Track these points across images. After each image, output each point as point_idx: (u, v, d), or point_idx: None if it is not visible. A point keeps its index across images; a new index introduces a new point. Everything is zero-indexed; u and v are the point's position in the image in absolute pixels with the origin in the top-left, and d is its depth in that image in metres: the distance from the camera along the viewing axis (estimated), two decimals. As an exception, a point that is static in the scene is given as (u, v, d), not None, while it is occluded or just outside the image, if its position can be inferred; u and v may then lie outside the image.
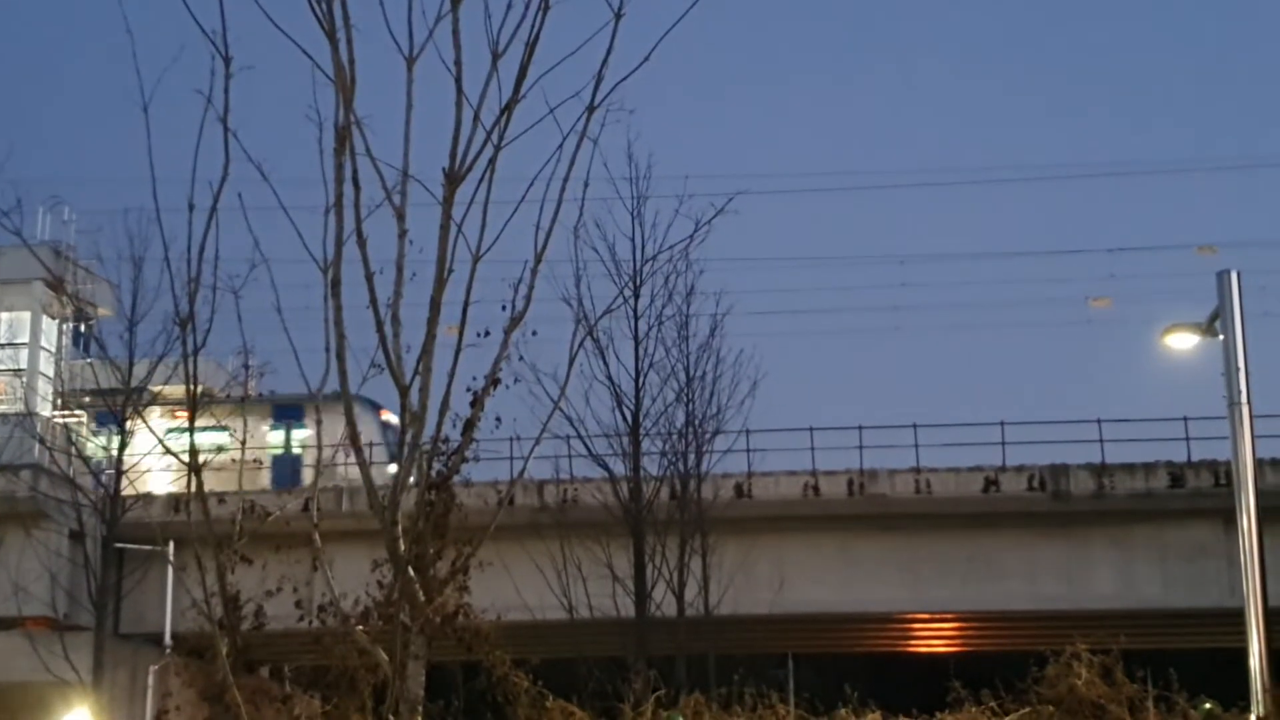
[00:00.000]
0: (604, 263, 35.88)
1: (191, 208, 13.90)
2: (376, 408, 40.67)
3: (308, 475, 39.52)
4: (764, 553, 40.17)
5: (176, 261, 14.18)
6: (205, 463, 14.38)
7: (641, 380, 36.66)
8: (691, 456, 37.64)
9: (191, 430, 14.67)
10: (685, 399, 37.72)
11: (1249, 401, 20.45)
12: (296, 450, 46.35)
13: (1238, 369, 20.37)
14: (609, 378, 36.50)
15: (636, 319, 36.30)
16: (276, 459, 46.06)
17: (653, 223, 36.10)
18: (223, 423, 32.44)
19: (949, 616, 45.20)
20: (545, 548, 34.82)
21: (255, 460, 32.07)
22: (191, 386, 14.98)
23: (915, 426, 44.19)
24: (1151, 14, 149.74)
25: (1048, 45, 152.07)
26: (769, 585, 38.97)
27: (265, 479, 43.31)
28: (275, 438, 47.16)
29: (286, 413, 46.24)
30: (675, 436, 37.60)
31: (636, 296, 36.04)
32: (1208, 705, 19.27)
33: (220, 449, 27.08)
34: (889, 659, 55.81)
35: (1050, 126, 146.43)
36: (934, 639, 50.06)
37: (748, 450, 40.96)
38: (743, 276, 67.14)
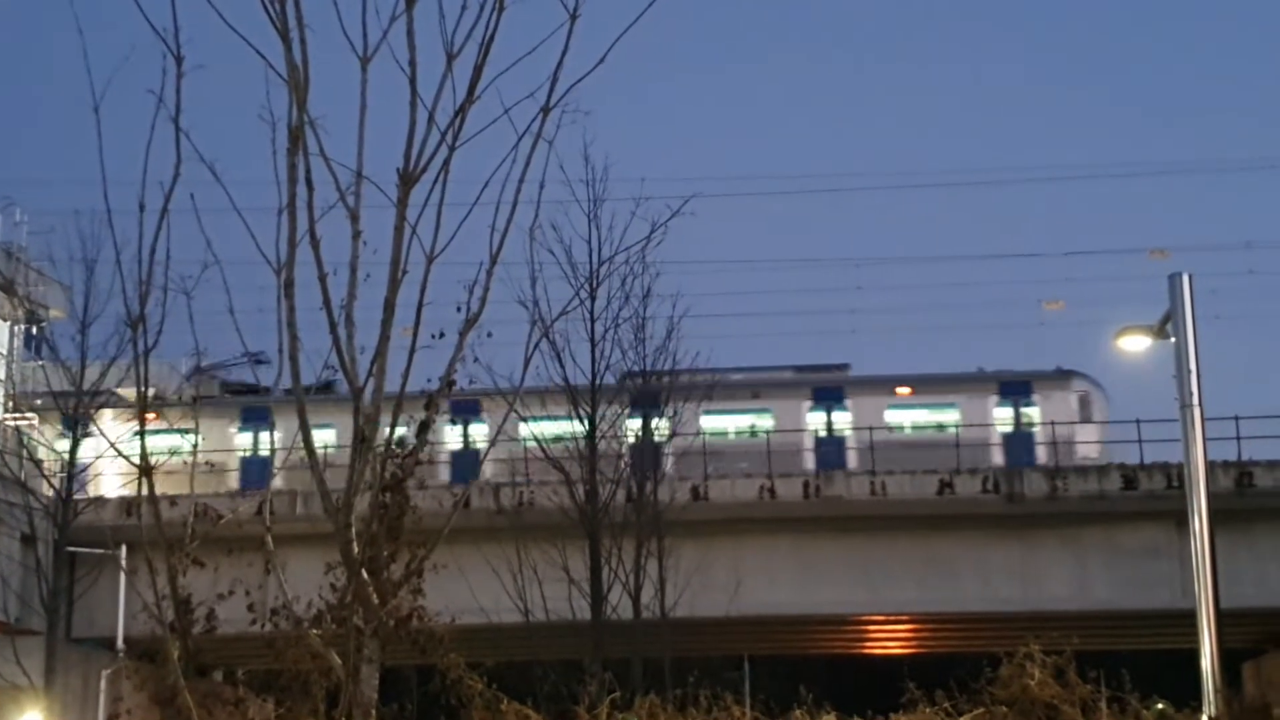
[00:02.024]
0: (560, 265, 35.87)
1: (142, 208, 13.78)
2: None
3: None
4: (720, 555, 40.23)
5: (128, 263, 14.06)
6: (156, 465, 14.26)
7: (598, 382, 36.63)
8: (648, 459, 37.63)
9: (142, 433, 14.55)
10: (641, 399, 37.73)
11: (1201, 404, 20.58)
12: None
13: (1189, 371, 20.50)
14: (565, 380, 36.46)
15: (593, 321, 36.31)
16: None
17: (609, 225, 36.11)
18: (181, 425, 32.28)
19: (904, 618, 45.42)
20: (501, 551, 34.73)
21: (208, 463, 31.74)
22: (142, 388, 14.86)
23: (871, 429, 44.44)
24: (1108, 18, 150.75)
25: (1003, 48, 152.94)
26: (725, 588, 39.01)
27: (233, 481, 42.99)
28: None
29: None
30: (632, 437, 37.61)
31: (593, 299, 36.04)
32: (1160, 706, 19.39)
33: (178, 451, 26.88)
34: (845, 661, 56.01)
35: (1005, 131, 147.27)
36: (889, 640, 50.27)
37: (704, 453, 41.06)
38: (699, 279, 67.17)
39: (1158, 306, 21.73)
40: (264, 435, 45.85)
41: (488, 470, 40.79)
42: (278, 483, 36.09)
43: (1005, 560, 41.43)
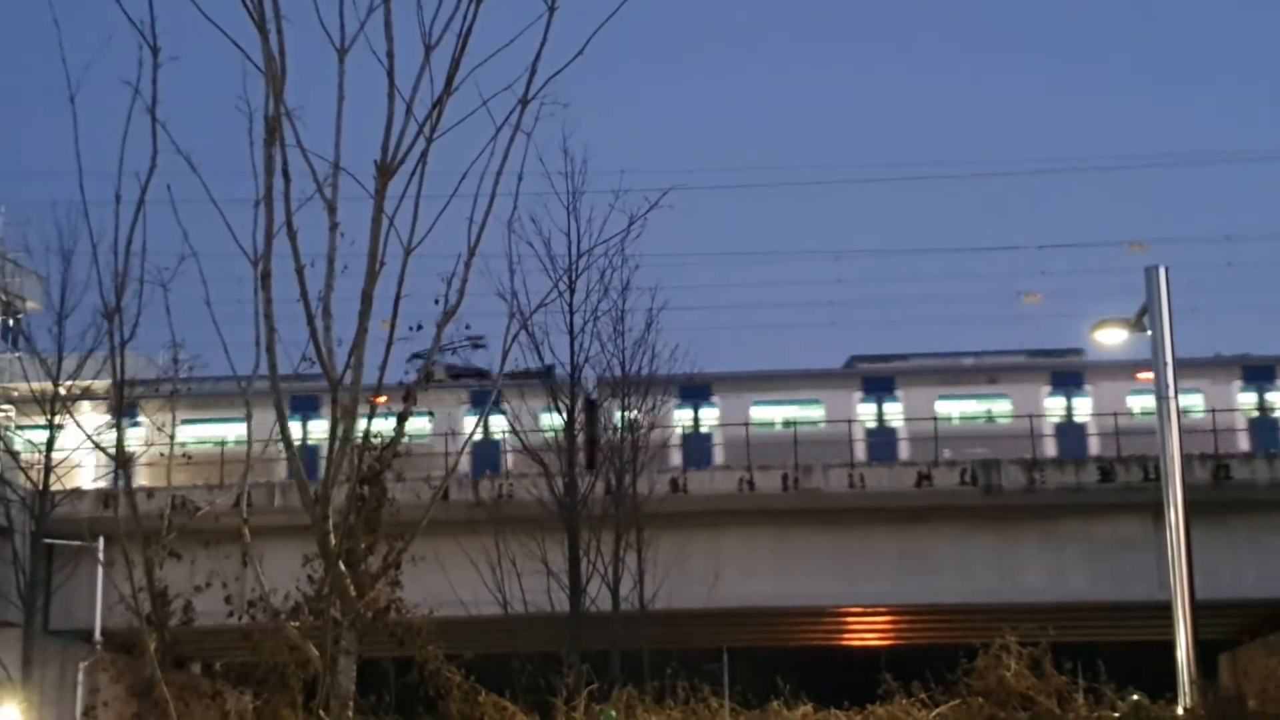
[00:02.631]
0: (539, 257, 35.85)
1: (118, 199, 13.73)
2: None
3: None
4: (699, 547, 40.29)
5: (105, 255, 14.03)
6: (132, 457, 14.25)
7: (577, 375, 36.65)
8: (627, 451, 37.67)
9: (119, 424, 14.52)
10: (621, 392, 37.76)
11: (1176, 396, 20.66)
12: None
13: (1166, 364, 20.57)
14: (544, 371, 36.47)
15: (572, 314, 36.32)
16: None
17: (588, 217, 36.11)
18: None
19: (882, 610, 45.52)
20: (480, 543, 34.74)
21: (185, 455, 31.62)
22: (119, 380, 14.82)
23: (849, 422, 44.53)
24: (1087, 11, 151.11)
25: (981, 42, 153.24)
26: (704, 580, 39.08)
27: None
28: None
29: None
30: (611, 431, 37.65)
31: (572, 291, 36.04)
32: (1135, 697, 19.46)
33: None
34: (823, 652, 56.12)
35: (982, 124, 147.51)
36: (867, 632, 50.40)
37: (683, 445, 41.13)
38: (678, 271, 67.24)
39: (1136, 299, 21.79)
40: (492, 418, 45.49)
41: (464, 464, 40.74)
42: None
43: (983, 552, 41.55)
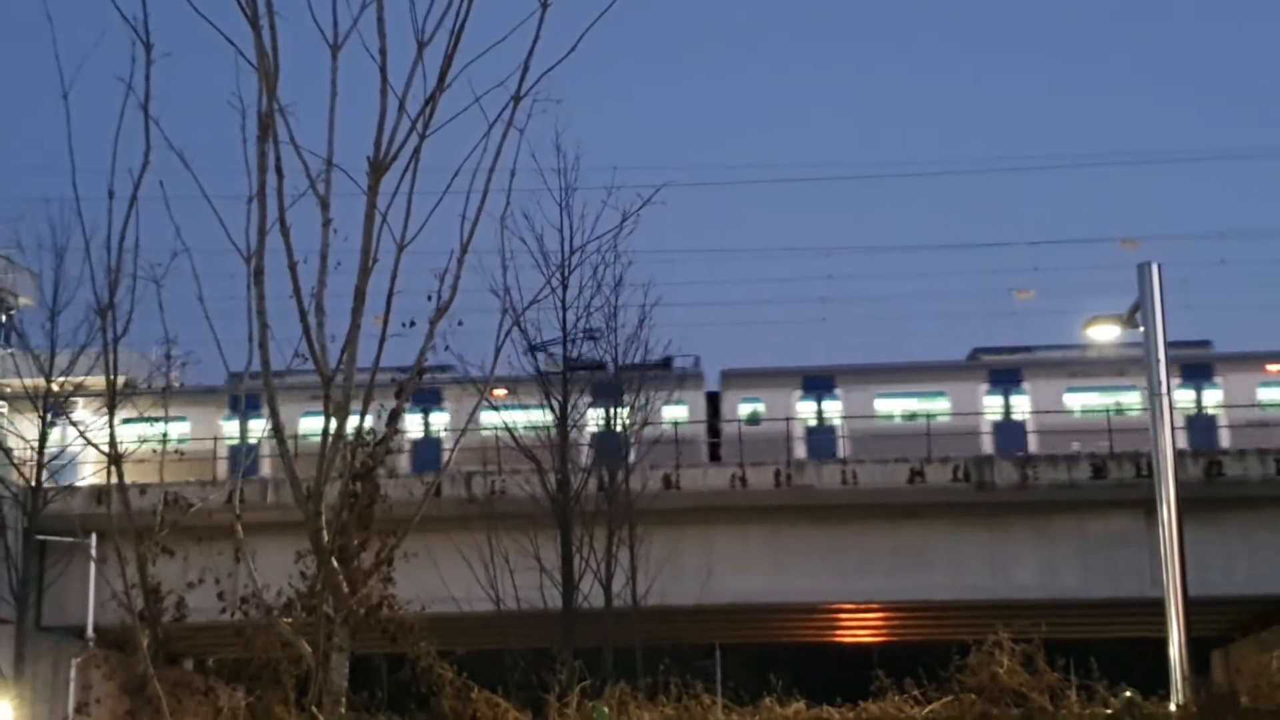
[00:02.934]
0: (532, 254, 35.81)
1: (111, 195, 13.77)
2: None
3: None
4: (692, 544, 40.30)
5: (98, 250, 14.04)
6: (125, 453, 14.25)
7: (568, 372, 36.62)
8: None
9: (111, 420, 14.52)
10: (613, 389, 37.75)
11: (1169, 392, 20.68)
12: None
13: (1158, 360, 20.59)
14: (537, 368, 36.47)
15: (565, 310, 36.29)
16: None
17: (581, 214, 36.06)
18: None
19: (875, 606, 45.53)
20: (473, 539, 34.73)
21: (177, 451, 31.61)
22: (111, 376, 14.83)
23: (843, 418, 44.55)
24: (1079, 10, 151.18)
25: (974, 40, 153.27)
26: (696, 576, 39.09)
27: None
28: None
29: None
30: (603, 427, 37.66)
31: (565, 287, 36.01)
32: (1128, 694, 19.47)
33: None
34: (816, 649, 56.16)
35: (975, 121, 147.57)
36: (860, 629, 50.42)
37: (675, 441, 41.12)
38: (671, 268, 67.22)
39: (1129, 295, 21.81)
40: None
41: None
42: None
43: (975, 549, 41.57)
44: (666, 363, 43.13)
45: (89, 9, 13.93)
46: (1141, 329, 21.02)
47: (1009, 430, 44.66)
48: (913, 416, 43.70)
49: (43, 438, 39.90)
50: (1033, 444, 43.98)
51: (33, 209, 47.02)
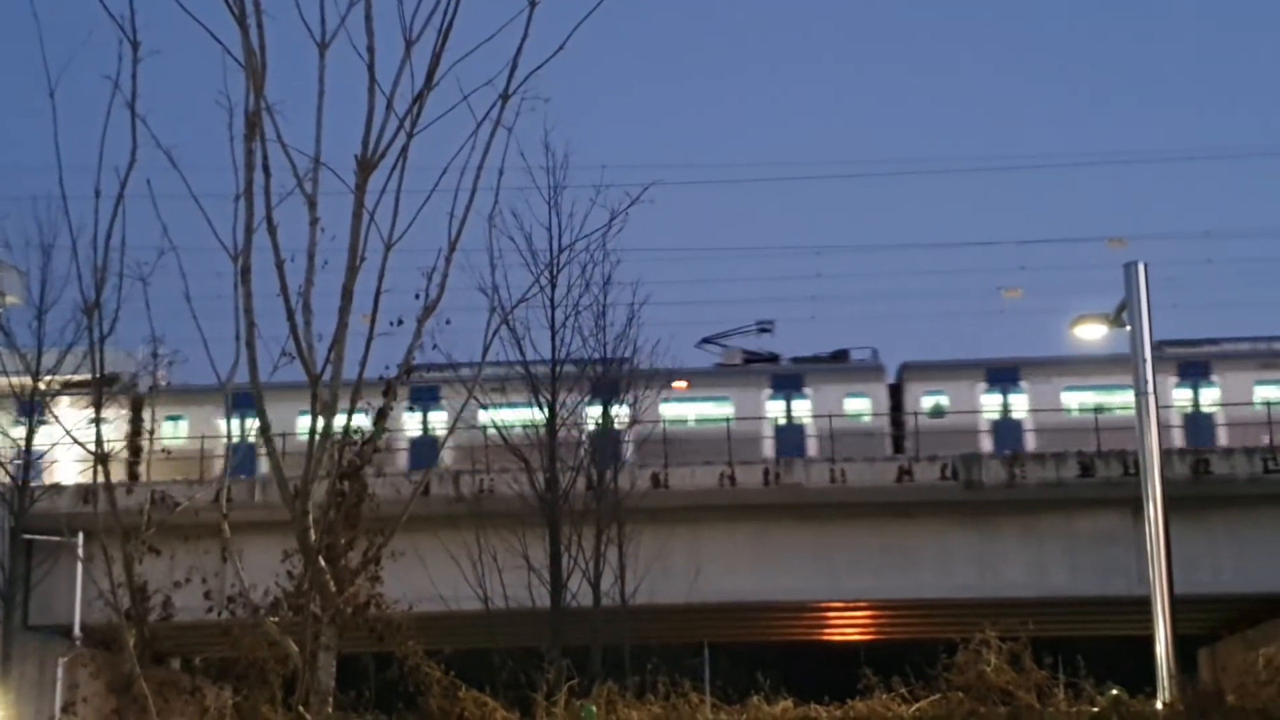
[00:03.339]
0: (520, 252, 35.76)
1: (98, 194, 13.74)
2: None
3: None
4: (680, 542, 40.32)
5: (84, 249, 14.02)
6: (111, 452, 14.22)
7: (558, 369, 36.59)
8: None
9: (98, 419, 14.50)
10: (602, 387, 37.73)
11: (1155, 391, 20.71)
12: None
13: (1144, 359, 20.62)
14: (525, 367, 36.41)
15: (553, 308, 36.24)
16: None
17: (570, 212, 36.03)
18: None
19: (863, 605, 45.59)
20: (461, 538, 34.68)
21: (164, 450, 31.59)
22: (98, 375, 14.80)
23: (830, 416, 44.55)
24: (1066, 8, 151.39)
25: (960, 37, 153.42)
26: (685, 575, 39.10)
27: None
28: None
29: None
30: (592, 424, 37.63)
31: (553, 286, 35.96)
32: (1114, 691, 19.51)
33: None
34: (804, 647, 56.20)
35: (962, 120, 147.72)
36: (848, 627, 50.46)
37: (664, 440, 41.12)
38: (660, 267, 67.13)
39: (1116, 295, 21.84)
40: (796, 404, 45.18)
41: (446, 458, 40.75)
42: None
43: (963, 547, 41.63)
44: (842, 354, 43.01)
45: (75, 7, 13.91)
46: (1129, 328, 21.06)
47: (1197, 423, 44.43)
48: (1100, 410, 43.23)
49: (29, 436, 39.82)
50: (1221, 437, 43.82)
51: (19, 207, 46.87)
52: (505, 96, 13.39)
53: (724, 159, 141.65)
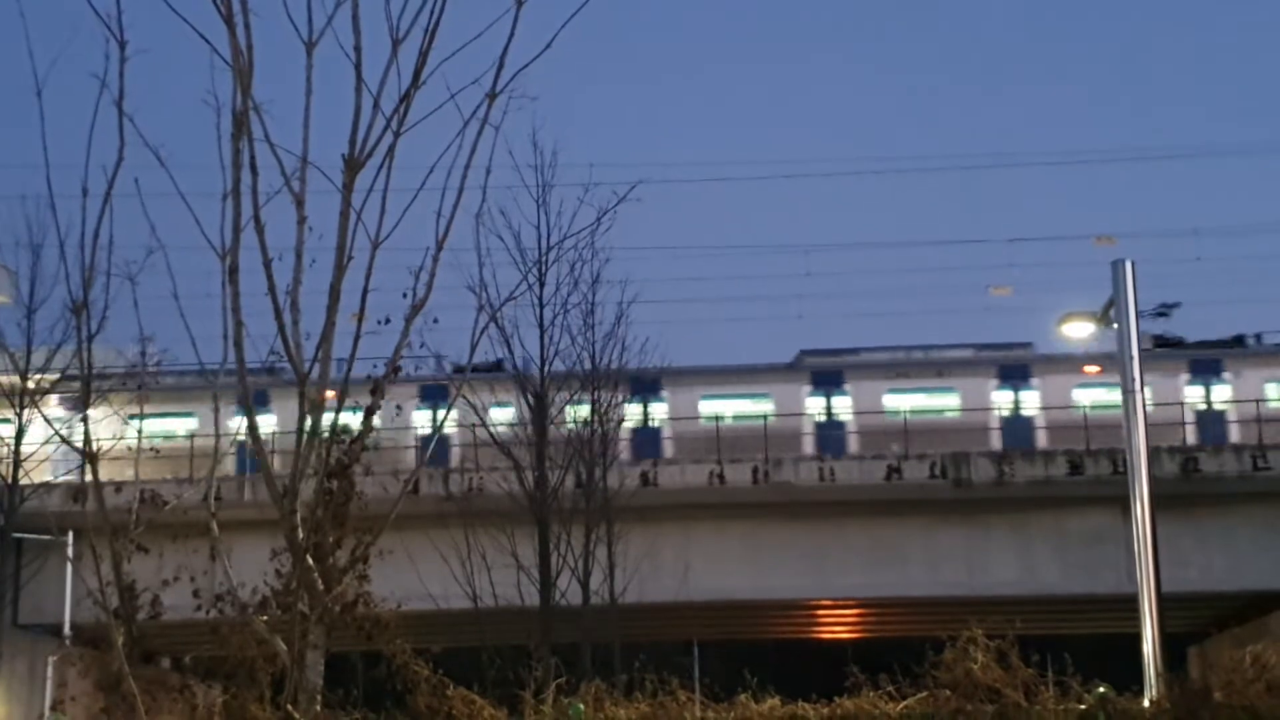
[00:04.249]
0: (509, 250, 35.75)
1: (85, 193, 13.79)
2: None
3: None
4: (670, 541, 40.35)
5: (73, 248, 14.06)
6: (101, 451, 14.25)
7: (547, 368, 36.60)
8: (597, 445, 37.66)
9: (86, 417, 14.52)
10: (591, 386, 37.75)
11: (1143, 389, 20.76)
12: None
13: (1131, 357, 20.66)
14: (514, 365, 36.43)
15: (542, 307, 36.23)
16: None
17: (558, 211, 36.01)
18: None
19: (852, 603, 45.65)
20: (450, 537, 34.69)
21: (153, 449, 31.47)
22: (86, 374, 14.82)
23: (817, 416, 44.64)
24: (1057, 7, 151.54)
25: (948, 35, 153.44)
26: (674, 573, 39.14)
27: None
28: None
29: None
30: (581, 425, 37.63)
31: (542, 284, 35.95)
32: (1102, 689, 19.53)
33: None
34: (794, 645, 56.24)
35: (952, 117, 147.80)
36: (838, 625, 50.52)
37: (654, 438, 41.19)
38: (648, 265, 67.25)
39: (1103, 292, 21.88)
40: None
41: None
42: None
43: (952, 545, 41.69)
44: (1239, 339, 43.12)
45: (62, 6, 13.92)
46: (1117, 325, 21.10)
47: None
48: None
49: (19, 435, 39.77)
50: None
51: (8, 206, 46.85)
52: (492, 95, 13.44)
53: (713, 157, 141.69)
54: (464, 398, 31.06)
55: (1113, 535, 37.92)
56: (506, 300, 27.29)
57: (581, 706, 19.26)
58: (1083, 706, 19.05)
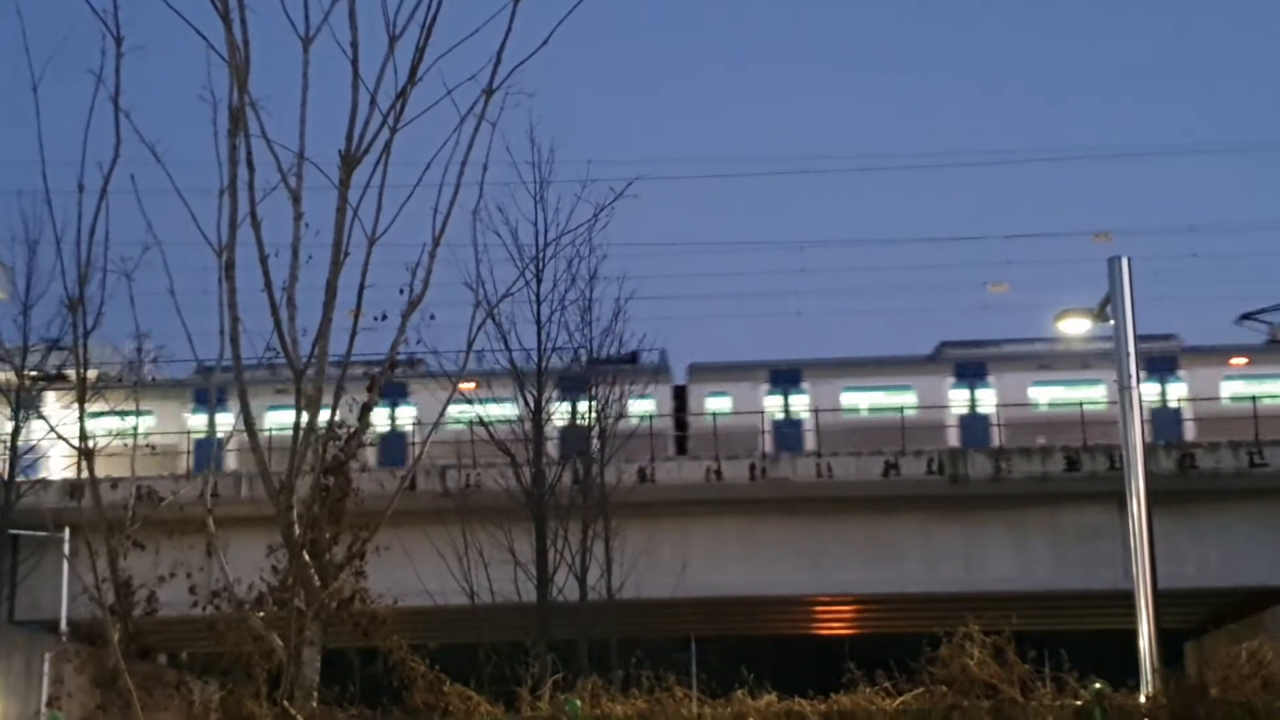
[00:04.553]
0: (506, 247, 35.73)
1: (81, 189, 13.79)
2: None
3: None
4: (667, 537, 40.34)
5: (69, 244, 14.05)
6: (97, 448, 14.25)
7: (544, 364, 36.59)
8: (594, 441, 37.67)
9: (82, 414, 14.52)
10: (589, 382, 37.75)
11: (1139, 385, 20.75)
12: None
13: (1128, 354, 20.65)
14: (511, 362, 36.41)
15: (539, 303, 36.22)
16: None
17: (555, 207, 35.99)
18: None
19: (849, 599, 45.64)
20: (447, 533, 34.68)
21: (149, 446, 31.54)
22: (82, 370, 14.83)
23: (816, 411, 44.60)
24: (1053, 4, 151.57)
25: (943, 33, 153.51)
26: (671, 569, 39.13)
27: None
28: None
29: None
30: (578, 419, 37.64)
31: (539, 280, 35.93)
32: (1098, 685, 19.53)
33: None
34: (791, 641, 56.27)
35: (947, 113, 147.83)
36: (835, 621, 50.54)
37: (650, 435, 41.16)
38: (645, 261, 67.14)
39: (1101, 289, 21.86)
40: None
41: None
42: None
43: (949, 541, 41.69)
44: None
45: (59, 2, 13.91)
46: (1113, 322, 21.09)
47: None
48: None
49: (15, 432, 39.75)
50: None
51: (4, 201, 46.83)
52: (489, 92, 13.46)
53: (709, 154, 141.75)
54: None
55: (1109, 531, 37.94)
56: (504, 297, 27.33)
57: (578, 703, 19.23)
58: (1079, 702, 19.05)
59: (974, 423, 44.58)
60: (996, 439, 43.49)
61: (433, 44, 13.37)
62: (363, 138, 13.54)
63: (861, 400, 45.25)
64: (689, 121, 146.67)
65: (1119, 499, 21.57)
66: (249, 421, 13.80)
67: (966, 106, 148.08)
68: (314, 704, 13.52)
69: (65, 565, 37.41)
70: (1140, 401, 20.76)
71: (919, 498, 41.06)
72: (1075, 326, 23.02)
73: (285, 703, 13.34)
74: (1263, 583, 40.95)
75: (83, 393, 14.93)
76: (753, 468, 41.22)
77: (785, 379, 44.53)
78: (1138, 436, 20.36)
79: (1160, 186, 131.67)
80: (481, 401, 35.44)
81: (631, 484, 38.72)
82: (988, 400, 45.32)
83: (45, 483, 39.56)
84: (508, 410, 37.76)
